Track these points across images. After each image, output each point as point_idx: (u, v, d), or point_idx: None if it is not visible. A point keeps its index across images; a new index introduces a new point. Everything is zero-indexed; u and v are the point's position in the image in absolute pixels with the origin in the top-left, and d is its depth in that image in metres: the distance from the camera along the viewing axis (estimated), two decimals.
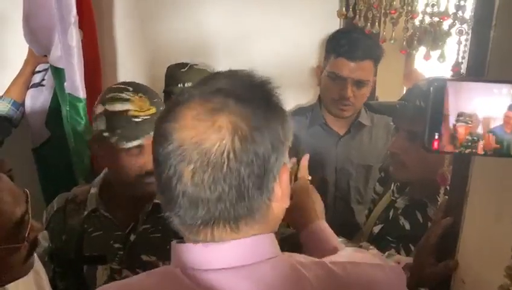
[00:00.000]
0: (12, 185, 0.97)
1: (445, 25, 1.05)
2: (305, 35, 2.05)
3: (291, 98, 2.05)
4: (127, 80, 1.32)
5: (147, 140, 1.19)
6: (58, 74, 1.85)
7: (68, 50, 1.76)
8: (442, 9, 1.09)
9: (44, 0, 1.75)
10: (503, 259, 0.82)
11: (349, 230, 1.82)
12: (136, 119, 1.21)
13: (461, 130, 0.65)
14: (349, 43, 1.71)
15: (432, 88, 0.65)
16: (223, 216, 0.69)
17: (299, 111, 1.95)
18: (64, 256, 1.29)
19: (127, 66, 2.12)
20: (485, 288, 0.92)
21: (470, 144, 0.65)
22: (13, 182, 1.40)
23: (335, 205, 1.87)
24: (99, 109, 1.25)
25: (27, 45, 1.89)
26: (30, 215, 0.96)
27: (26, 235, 0.93)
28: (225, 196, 0.67)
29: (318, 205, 1.10)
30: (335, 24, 2.02)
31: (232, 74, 0.75)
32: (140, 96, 1.24)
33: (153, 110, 1.23)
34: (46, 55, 1.88)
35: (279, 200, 0.74)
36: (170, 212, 0.72)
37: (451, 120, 0.65)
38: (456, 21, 1.00)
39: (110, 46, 2.09)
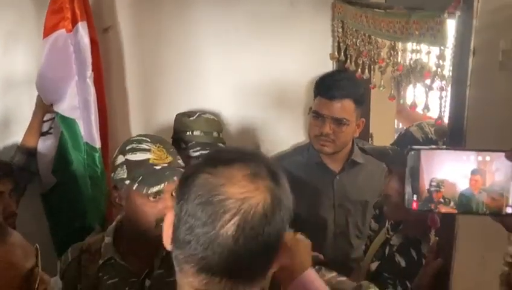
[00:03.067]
0: (23, 240, 1.04)
1: (428, 81, 1.14)
2: (300, 75, 2.15)
3: (286, 136, 2.17)
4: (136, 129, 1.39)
5: (166, 186, 1.28)
6: (68, 123, 1.95)
7: (86, 103, 1.89)
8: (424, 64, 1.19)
9: (64, 55, 1.88)
10: None
11: (350, 265, 1.89)
12: (156, 167, 1.30)
13: (435, 194, 0.74)
14: (329, 83, 1.80)
15: (408, 156, 0.74)
16: (245, 272, 0.73)
17: (296, 151, 2.02)
18: None
19: (135, 116, 2.21)
20: None
21: (444, 205, 0.73)
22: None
23: (335, 241, 1.93)
24: (119, 159, 1.34)
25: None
26: (39, 268, 1.02)
27: (36, 288, 0.99)
28: (257, 252, 0.71)
29: (304, 252, 0.98)
30: (329, 66, 2.12)
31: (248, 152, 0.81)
32: (158, 147, 1.34)
33: (170, 158, 1.34)
34: (51, 105, 1.98)
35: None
36: (187, 263, 0.73)
37: (426, 185, 0.74)
38: (437, 77, 1.09)
39: (119, 97, 2.19)
